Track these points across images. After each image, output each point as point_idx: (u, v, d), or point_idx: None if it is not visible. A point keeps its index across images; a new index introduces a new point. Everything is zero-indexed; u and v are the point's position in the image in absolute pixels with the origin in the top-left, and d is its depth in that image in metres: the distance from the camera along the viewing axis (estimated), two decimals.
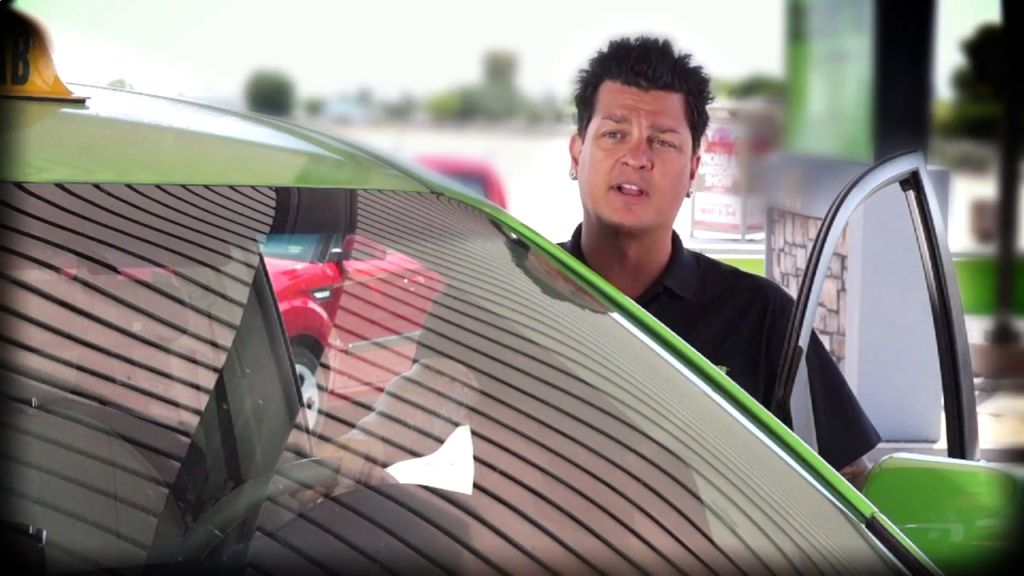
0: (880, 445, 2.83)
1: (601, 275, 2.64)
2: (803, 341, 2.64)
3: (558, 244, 2.71)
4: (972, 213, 20.54)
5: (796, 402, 2.63)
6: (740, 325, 2.75)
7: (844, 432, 2.77)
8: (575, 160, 2.79)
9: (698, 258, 2.83)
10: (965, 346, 2.92)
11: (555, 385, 2.11)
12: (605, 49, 2.78)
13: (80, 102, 2.07)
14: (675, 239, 2.81)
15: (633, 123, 2.70)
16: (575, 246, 2.79)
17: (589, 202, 2.74)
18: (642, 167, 2.68)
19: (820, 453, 2.37)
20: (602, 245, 2.76)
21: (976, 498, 2.32)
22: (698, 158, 2.78)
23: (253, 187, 2.12)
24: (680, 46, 2.77)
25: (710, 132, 2.90)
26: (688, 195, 2.77)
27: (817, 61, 10.36)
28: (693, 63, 2.75)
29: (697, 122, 2.75)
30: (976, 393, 2.98)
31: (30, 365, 1.99)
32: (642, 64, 2.71)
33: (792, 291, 2.79)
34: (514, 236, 2.30)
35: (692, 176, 2.77)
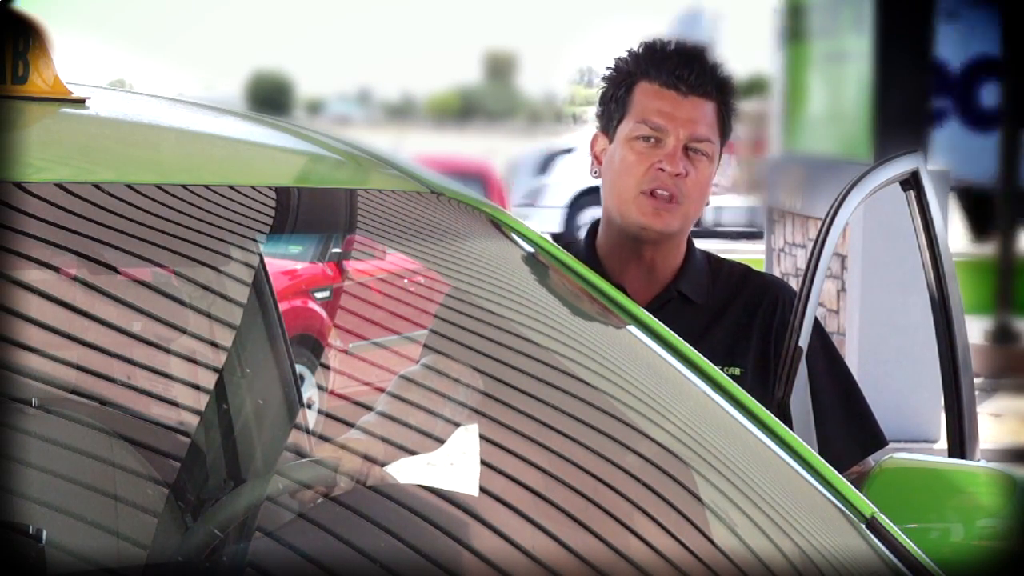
0: None
1: (615, 276, 2.64)
2: (803, 341, 2.64)
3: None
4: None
5: (796, 402, 2.63)
6: (751, 325, 2.75)
7: (854, 431, 2.77)
8: (597, 159, 2.77)
9: (709, 258, 2.82)
10: (965, 346, 2.92)
11: (555, 385, 2.11)
12: (638, 49, 2.74)
13: (80, 102, 2.07)
14: (689, 242, 2.80)
15: (670, 130, 2.67)
16: (589, 244, 2.78)
17: (615, 204, 2.71)
18: (678, 174, 2.66)
19: (826, 452, 2.37)
20: (619, 247, 2.74)
21: (976, 498, 2.32)
22: (719, 166, 2.77)
23: (253, 187, 2.12)
24: (714, 54, 2.74)
25: None
26: (707, 203, 2.76)
27: (817, 61, 10.36)
28: (725, 72, 2.73)
29: (725, 132, 2.74)
30: (976, 393, 2.97)
31: (30, 365, 1.99)
32: (684, 69, 2.68)
33: None
34: (514, 236, 2.30)
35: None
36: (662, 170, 2.66)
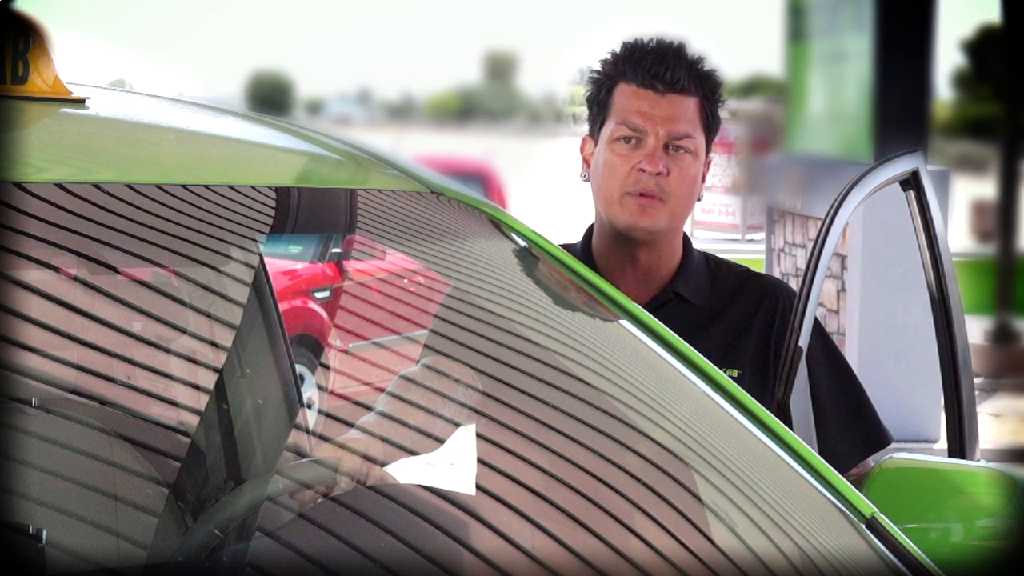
0: None
1: (611, 279, 2.63)
2: (803, 341, 2.64)
3: (567, 245, 2.72)
4: (972, 213, 20.54)
5: (796, 402, 2.63)
6: (750, 327, 2.74)
7: (855, 430, 2.76)
8: (586, 162, 2.76)
9: (708, 259, 2.81)
10: (965, 346, 2.92)
11: (555, 385, 2.11)
12: (619, 51, 2.74)
13: (80, 102, 2.07)
14: (686, 242, 2.79)
15: (649, 129, 2.67)
16: (585, 248, 2.78)
17: (603, 206, 2.71)
18: (659, 173, 2.66)
19: (827, 452, 2.36)
20: (613, 249, 2.74)
21: (976, 498, 2.32)
22: (709, 162, 2.76)
23: (253, 187, 2.12)
24: (693, 48, 2.74)
25: None
26: (699, 199, 2.75)
27: (817, 61, 10.37)
28: (707, 66, 2.72)
29: (710, 126, 2.73)
30: (976, 393, 2.97)
31: (30, 365, 1.99)
32: (659, 67, 2.68)
33: None
34: (514, 236, 2.30)
35: (703, 180, 2.75)
36: (643, 171, 2.66)
